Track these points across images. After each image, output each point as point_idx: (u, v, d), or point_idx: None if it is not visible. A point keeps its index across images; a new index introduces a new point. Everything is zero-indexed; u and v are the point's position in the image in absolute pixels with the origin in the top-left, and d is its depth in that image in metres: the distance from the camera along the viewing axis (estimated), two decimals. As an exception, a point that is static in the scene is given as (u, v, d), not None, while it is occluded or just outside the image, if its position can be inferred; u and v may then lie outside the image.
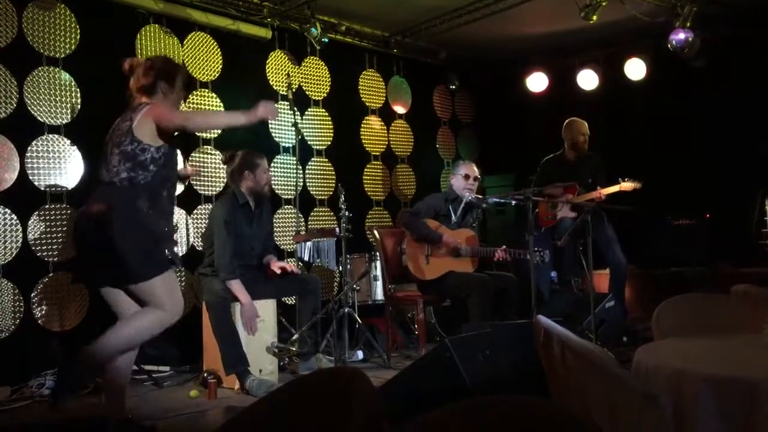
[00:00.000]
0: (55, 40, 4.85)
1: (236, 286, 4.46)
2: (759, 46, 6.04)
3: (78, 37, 4.94)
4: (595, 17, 5.50)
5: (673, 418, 1.94)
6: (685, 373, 1.98)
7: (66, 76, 4.89)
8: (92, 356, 3.15)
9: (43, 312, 4.66)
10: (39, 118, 4.74)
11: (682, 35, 5.78)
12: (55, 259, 4.74)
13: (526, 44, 7.04)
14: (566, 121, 5.92)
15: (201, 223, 5.55)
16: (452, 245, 5.07)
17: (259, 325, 4.54)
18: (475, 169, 5.36)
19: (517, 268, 6.04)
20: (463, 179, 5.30)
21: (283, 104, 6.17)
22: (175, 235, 3.42)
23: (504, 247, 5.03)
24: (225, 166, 4.88)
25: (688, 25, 5.75)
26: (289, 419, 1.43)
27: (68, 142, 4.84)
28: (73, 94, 4.91)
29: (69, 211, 4.80)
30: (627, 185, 5.49)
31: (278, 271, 4.71)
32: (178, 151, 5.31)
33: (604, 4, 5.42)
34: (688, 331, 2.62)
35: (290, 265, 4.85)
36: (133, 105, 3.35)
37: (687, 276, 6.21)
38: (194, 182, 5.53)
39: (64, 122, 4.85)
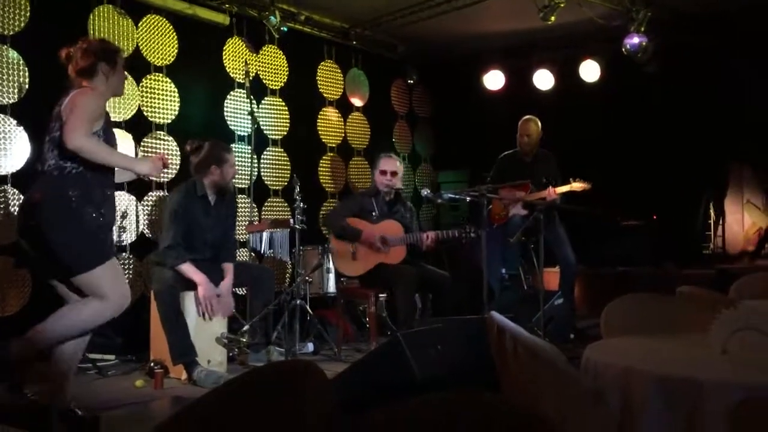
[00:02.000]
0: (4, 17, 4.68)
1: (187, 269, 4.38)
2: (710, 53, 6.20)
3: (28, 14, 4.77)
4: (553, 18, 5.57)
5: (620, 415, 1.98)
6: (633, 371, 2.01)
7: (14, 54, 4.72)
8: (28, 343, 3.07)
9: (-17, 297, 4.51)
10: (-16, 97, 4.58)
11: (636, 39, 5.89)
12: (-3, 243, 4.59)
13: (484, 42, 7.10)
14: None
15: (151, 209, 5.44)
16: (371, 241, 5.06)
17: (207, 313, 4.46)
18: (396, 163, 5.32)
19: (468, 263, 6.12)
20: (380, 174, 5.29)
21: (240, 92, 6.10)
22: (115, 224, 3.33)
23: (435, 233, 5.06)
24: (191, 156, 4.71)
25: (643, 29, 5.87)
26: (241, 412, 1.40)
27: (14, 122, 4.69)
28: (21, 73, 4.74)
29: (13, 195, 4.64)
30: (577, 186, 5.56)
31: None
32: (129, 136, 5.22)
33: (562, 5, 5.49)
34: (636, 330, 2.67)
35: (225, 299, 4.57)
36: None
37: (633, 276, 6.36)
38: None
39: (10, 102, 4.69)
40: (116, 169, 3.33)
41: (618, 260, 6.66)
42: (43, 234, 3.02)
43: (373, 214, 5.25)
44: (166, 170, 3.49)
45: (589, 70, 6.80)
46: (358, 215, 5.24)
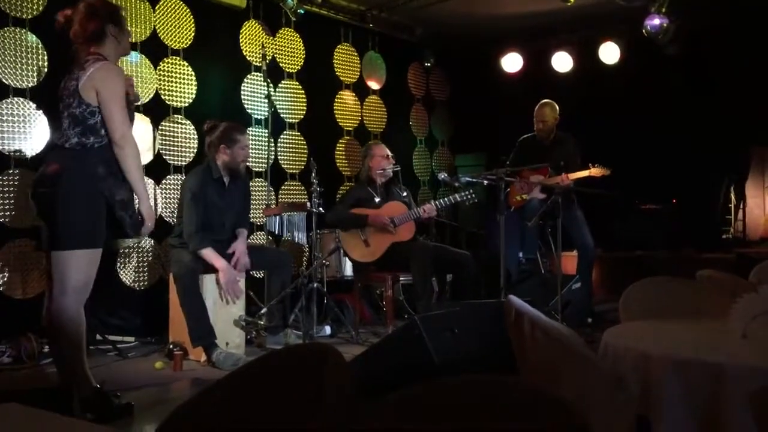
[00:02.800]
0: (22, 1, 4.70)
1: (209, 254, 4.41)
2: (732, 35, 6.11)
3: (46, -2, 4.79)
4: (572, -1, 5.51)
5: (639, 400, 1.97)
6: (652, 355, 2.00)
7: (32, 38, 4.74)
8: (73, 371, 3.11)
9: (5, 279, 4.56)
10: (4, 81, 4.60)
11: (657, 21, 5.82)
12: (18, 226, 4.63)
13: (502, 24, 7.02)
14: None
15: (169, 193, 5.47)
16: (380, 221, 5.13)
17: (228, 297, 4.50)
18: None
19: (486, 247, 6.11)
20: (383, 159, 5.39)
21: (257, 75, 6.09)
22: (136, 201, 3.31)
23: (432, 204, 5.20)
24: (206, 136, 4.75)
25: (664, 11, 5.79)
26: (260, 394, 1.41)
27: (34, 106, 4.71)
28: (40, 57, 4.77)
29: (34, 177, 4.68)
30: (596, 171, 5.52)
31: (230, 250, 4.59)
32: (147, 119, 5.24)
33: (582, -14, 5.43)
34: (656, 314, 2.66)
35: (238, 258, 4.61)
36: (80, 59, 3.18)
37: (651, 260, 6.32)
38: (164, 152, 5.44)
39: (30, 85, 4.71)
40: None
41: (636, 244, 6.62)
42: (55, 202, 3.03)
43: (375, 200, 5.31)
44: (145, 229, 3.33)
45: (609, 52, 6.72)
46: (358, 206, 5.28)
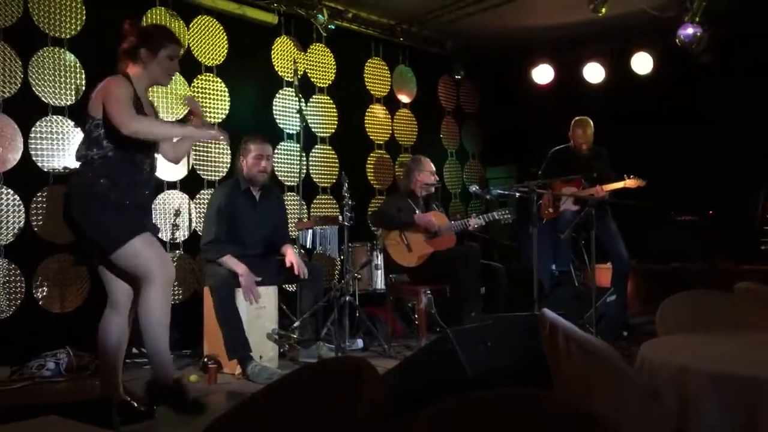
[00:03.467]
0: (61, 21, 4.82)
1: (229, 260, 4.47)
2: (765, 42, 6.01)
3: (84, 18, 4.91)
4: (603, 10, 5.47)
5: (676, 414, 1.94)
6: (690, 369, 1.97)
7: (71, 57, 4.86)
8: (161, 373, 3.22)
9: (44, 293, 4.66)
10: (43, 99, 4.72)
11: (690, 30, 5.74)
12: (57, 241, 4.72)
13: (532, 36, 7.01)
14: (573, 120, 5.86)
15: (203, 208, 5.53)
16: (425, 222, 5.24)
17: (260, 311, 4.53)
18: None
19: (519, 260, 6.08)
20: (430, 175, 5.47)
21: (288, 90, 6.16)
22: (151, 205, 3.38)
23: (473, 215, 5.37)
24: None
25: (697, 20, 5.71)
26: (294, 408, 1.42)
27: (72, 123, 4.82)
28: (78, 76, 4.88)
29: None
30: (631, 182, 5.45)
31: (288, 264, 4.68)
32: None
33: (613, -4, 5.40)
34: (693, 327, 2.61)
35: (298, 266, 4.70)
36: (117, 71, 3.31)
37: (687, 272, 6.22)
38: (197, 167, 5.52)
39: (68, 103, 4.83)
40: (170, 145, 3.47)
41: (672, 256, 6.52)
42: (76, 220, 3.14)
43: (416, 212, 5.38)
44: (213, 133, 3.42)
45: (642, 63, 6.66)
46: (398, 213, 5.37)
